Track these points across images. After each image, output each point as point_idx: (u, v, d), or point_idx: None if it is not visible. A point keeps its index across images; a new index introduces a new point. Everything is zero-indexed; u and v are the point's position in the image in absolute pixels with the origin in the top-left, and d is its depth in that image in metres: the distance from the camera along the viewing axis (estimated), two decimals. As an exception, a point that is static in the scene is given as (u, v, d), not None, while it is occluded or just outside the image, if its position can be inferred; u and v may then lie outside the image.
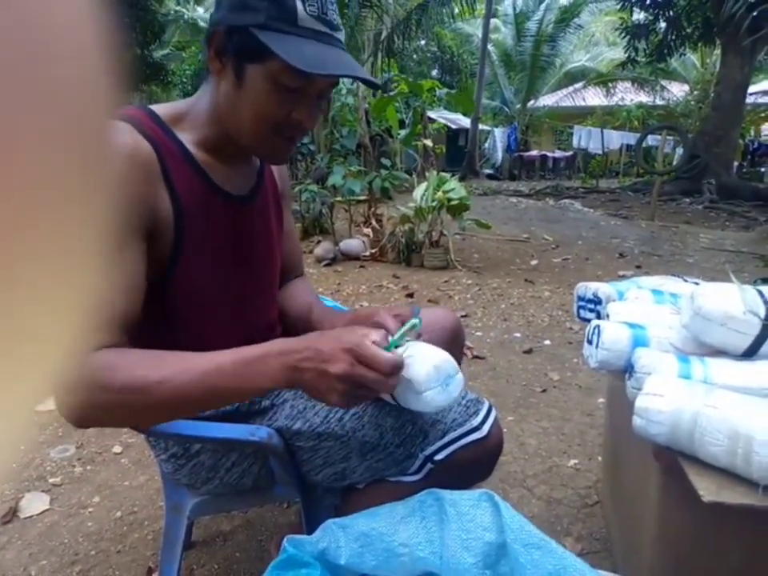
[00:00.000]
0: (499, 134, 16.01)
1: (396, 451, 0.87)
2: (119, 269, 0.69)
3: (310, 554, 0.76)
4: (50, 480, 1.61)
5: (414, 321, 0.77)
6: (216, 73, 0.81)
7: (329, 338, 0.71)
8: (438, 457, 0.86)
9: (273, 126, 0.81)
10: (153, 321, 0.83)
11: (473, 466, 0.88)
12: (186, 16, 15.06)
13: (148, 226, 0.77)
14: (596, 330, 1.04)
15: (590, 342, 1.06)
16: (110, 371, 0.67)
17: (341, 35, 0.81)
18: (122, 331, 0.72)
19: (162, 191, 0.79)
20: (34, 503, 1.49)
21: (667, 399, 0.80)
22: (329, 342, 0.70)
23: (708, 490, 0.73)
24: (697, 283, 1.19)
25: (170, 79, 11.78)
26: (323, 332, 0.77)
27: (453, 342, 1.18)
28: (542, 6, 16.03)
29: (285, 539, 0.77)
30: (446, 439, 0.86)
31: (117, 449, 1.78)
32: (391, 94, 7.11)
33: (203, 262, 0.86)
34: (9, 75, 0.12)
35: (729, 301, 0.87)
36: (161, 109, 0.85)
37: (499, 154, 15.90)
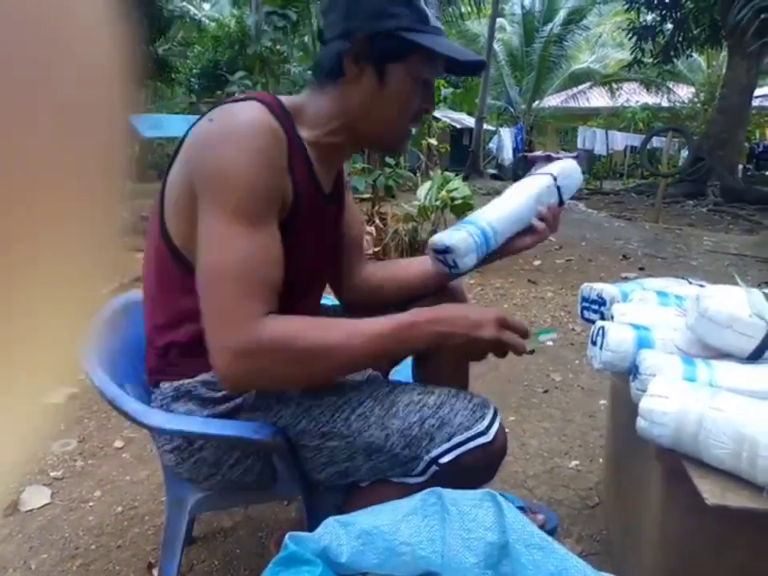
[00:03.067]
0: (507, 134, 15.92)
1: (401, 453, 0.87)
2: (262, 243, 0.79)
3: (312, 551, 0.76)
4: (51, 474, 1.61)
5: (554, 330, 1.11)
6: (352, 78, 0.87)
7: (473, 308, 0.88)
8: (444, 460, 0.85)
9: (412, 118, 0.92)
10: None
11: (477, 469, 0.88)
12: (191, 12, 15.00)
13: (279, 201, 0.83)
14: (601, 331, 1.03)
15: (594, 343, 1.06)
16: (289, 338, 0.77)
17: None
18: (274, 300, 0.80)
19: (287, 172, 0.85)
20: (35, 496, 1.49)
21: (672, 401, 0.79)
22: (476, 312, 0.87)
23: (712, 492, 0.72)
24: (702, 285, 1.18)
25: (174, 76, 11.74)
26: (460, 304, 0.97)
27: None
28: (550, 6, 15.98)
29: (286, 536, 0.77)
30: (452, 442, 0.85)
31: (118, 443, 1.78)
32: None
33: (295, 248, 0.88)
34: (24, 72, 0.12)
35: (735, 303, 0.87)
36: (285, 101, 0.90)
37: (509, 153, 15.77)
